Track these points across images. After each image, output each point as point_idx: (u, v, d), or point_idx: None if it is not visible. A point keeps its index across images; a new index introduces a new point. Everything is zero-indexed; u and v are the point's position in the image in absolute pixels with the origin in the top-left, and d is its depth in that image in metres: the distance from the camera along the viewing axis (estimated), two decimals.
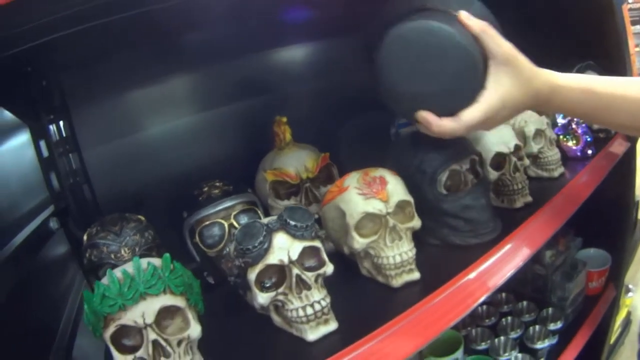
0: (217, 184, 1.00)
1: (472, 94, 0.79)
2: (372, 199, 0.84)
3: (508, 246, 0.97)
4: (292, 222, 0.76)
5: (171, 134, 1.14)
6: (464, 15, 0.79)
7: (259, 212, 0.99)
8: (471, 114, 0.79)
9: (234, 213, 0.97)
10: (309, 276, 0.76)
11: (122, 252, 0.88)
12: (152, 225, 0.96)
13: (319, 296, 0.76)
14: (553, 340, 1.44)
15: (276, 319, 0.80)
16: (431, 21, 0.79)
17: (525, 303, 1.53)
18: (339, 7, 1.12)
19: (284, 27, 1.19)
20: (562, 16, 1.49)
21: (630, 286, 2.05)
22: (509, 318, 1.48)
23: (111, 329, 0.66)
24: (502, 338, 1.40)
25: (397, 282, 0.86)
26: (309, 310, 0.75)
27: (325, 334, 0.76)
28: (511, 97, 0.80)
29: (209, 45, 1.12)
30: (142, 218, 0.96)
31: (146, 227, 0.93)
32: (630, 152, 1.50)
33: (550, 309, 1.50)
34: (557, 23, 1.51)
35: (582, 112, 0.88)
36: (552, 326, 1.47)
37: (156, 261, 0.73)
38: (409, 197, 0.88)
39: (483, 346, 1.40)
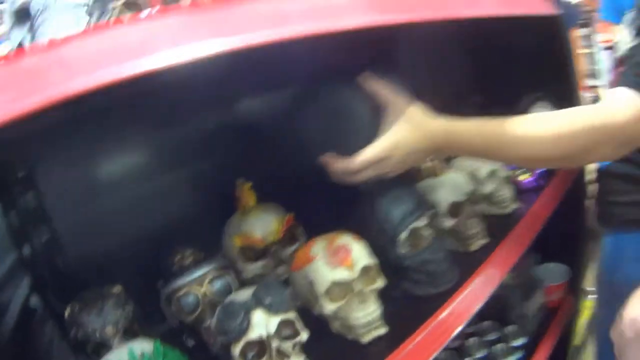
0: (188, 252, 1.13)
1: (368, 139, 1.01)
2: (338, 267, 1.00)
3: (468, 290, 1.15)
4: (267, 300, 0.91)
5: (139, 196, 1.26)
6: (362, 78, 1.03)
7: (231, 276, 1.13)
8: (365, 152, 1.00)
9: (207, 280, 1.11)
10: (287, 346, 0.92)
11: (107, 329, 1.01)
12: (128, 290, 1.09)
13: None
14: (519, 355, 1.64)
15: None
16: (334, 85, 1.07)
17: (488, 323, 1.73)
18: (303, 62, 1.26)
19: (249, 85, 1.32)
20: (515, 48, 1.65)
21: (590, 289, 2.28)
22: (474, 339, 1.67)
23: None
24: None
25: (366, 339, 1.02)
26: None
27: None
28: (404, 139, 1.00)
29: (174, 106, 1.24)
30: (120, 290, 1.09)
31: (125, 301, 1.07)
32: (581, 171, 1.71)
33: (512, 327, 1.70)
34: (510, 57, 1.67)
35: (483, 152, 1.09)
36: (516, 342, 1.67)
37: (146, 346, 0.88)
38: (372, 261, 1.04)
39: None
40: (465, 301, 1.14)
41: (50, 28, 0.70)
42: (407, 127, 1.01)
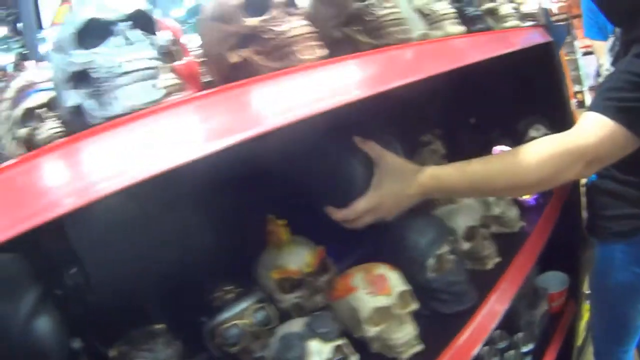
0: (228, 288, 1.28)
1: (361, 192, 1.21)
2: (378, 296, 1.16)
3: (488, 305, 1.33)
4: (321, 331, 1.07)
5: (166, 232, 1.38)
6: (357, 140, 1.23)
7: (270, 307, 1.28)
8: (358, 203, 1.20)
9: (249, 312, 1.25)
10: None
11: None
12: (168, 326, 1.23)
13: None
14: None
15: None
16: (333, 147, 1.27)
17: (498, 332, 1.90)
18: None
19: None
20: (510, 74, 1.79)
21: (588, 292, 2.48)
22: (486, 348, 1.84)
23: None
24: None
25: (405, 356, 1.18)
26: None
27: None
28: (391, 190, 1.21)
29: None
30: (164, 327, 1.22)
31: (171, 338, 1.20)
32: (575, 185, 1.90)
33: (520, 334, 1.88)
34: (506, 82, 1.84)
35: (469, 189, 1.27)
36: (525, 348, 1.85)
37: None
38: (406, 286, 1.20)
39: None
40: (487, 315, 1.32)
41: (123, 98, 0.82)
42: (394, 180, 1.20)
